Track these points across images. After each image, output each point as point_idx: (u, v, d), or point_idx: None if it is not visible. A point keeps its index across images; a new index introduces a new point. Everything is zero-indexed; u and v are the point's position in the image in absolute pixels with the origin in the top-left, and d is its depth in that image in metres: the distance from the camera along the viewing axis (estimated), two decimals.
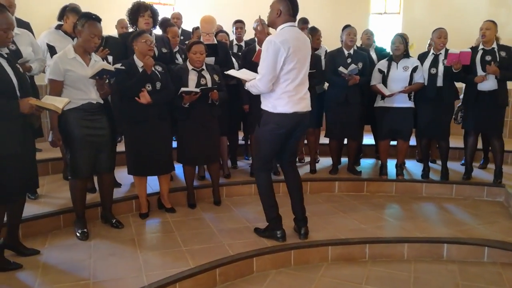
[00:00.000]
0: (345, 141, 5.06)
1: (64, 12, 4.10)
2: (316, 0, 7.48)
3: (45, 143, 5.07)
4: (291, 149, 3.33)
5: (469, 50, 4.42)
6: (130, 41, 3.60)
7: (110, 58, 4.16)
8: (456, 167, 5.16)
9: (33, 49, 3.90)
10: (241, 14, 5.81)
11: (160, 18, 4.28)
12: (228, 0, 7.22)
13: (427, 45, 5.69)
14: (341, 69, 4.44)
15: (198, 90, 3.67)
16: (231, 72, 3.50)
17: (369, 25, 7.56)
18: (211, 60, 4.32)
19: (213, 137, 4.01)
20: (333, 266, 3.29)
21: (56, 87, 3.15)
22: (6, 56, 2.74)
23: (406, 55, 4.61)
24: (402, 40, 4.55)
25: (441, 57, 4.52)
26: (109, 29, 5.16)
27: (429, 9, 7.50)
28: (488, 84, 4.38)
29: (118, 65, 3.35)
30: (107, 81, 3.36)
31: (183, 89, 3.65)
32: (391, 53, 4.66)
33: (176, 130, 4.02)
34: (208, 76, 3.87)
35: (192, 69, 3.84)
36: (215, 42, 4.41)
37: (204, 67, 3.89)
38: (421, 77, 4.55)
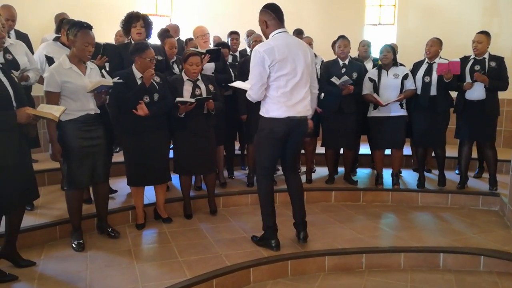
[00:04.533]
0: (341, 151, 5.08)
1: (62, 25, 4.15)
2: (312, 11, 7.56)
3: (41, 153, 5.10)
4: (290, 156, 3.34)
5: (458, 59, 4.46)
6: (131, 53, 3.59)
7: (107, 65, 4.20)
8: (451, 176, 5.18)
9: (28, 59, 3.94)
10: (236, 25, 5.86)
11: (156, 29, 4.33)
12: (223, 12, 7.29)
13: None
14: (333, 79, 4.49)
15: (193, 100, 3.70)
16: (236, 84, 3.57)
17: (364, 36, 7.63)
18: (211, 66, 4.36)
19: (209, 147, 4.02)
20: (330, 276, 3.29)
21: (53, 99, 3.12)
22: (1, 66, 2.74)
23: (395, 63, 4.67)
24: (390, 49, 4.63)
25: (435, 66, 4.56)
26: (104, 39, 5.21)
27: (423, 20, 7.58)
28: (476, 93, 4.44)
29: (116, 79, 3.37)
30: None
31: (178, 99, 3.69)
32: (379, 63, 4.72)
33: (173, 139, 4.04)
34: (203, 87, 3.90)
35: (187, 79, 3.87)
36: (215, 47, 4.50)
37: (199, 77, 3.92)
38: (412, 84, 4.61)
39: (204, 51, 4.24)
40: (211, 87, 3.95)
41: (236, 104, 4.64)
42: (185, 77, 3.88)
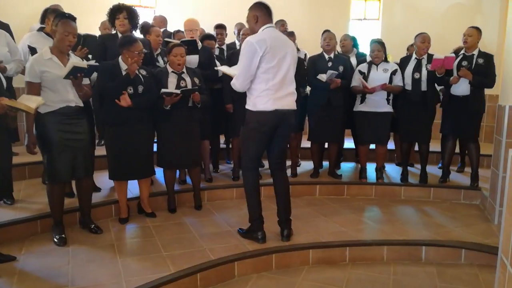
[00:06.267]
0: (326, 145, 5.09)
1: (46, 14, 4.06)
2: (297, 5, 7.55)
3: (22, 147, 5.00)
4: (277, 149, 3.34)
5: (453, 55, 4.49)
6: (119, 46, 3.52)
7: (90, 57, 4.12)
8: (433, 170, 5.26)
9: (10, 50, 3.84)
10: (222, 17, 5.82)
11: (141, 20, 4.28)
12: (209, 4, 7.23)
13: (407, 50, 5.81)
14: (319, 76, 4.49)
15: (178, 91, 3.67)
16: (222, 68, 3.58)
17: (349, 30, 7.66)
18: (195, 60, 4.31)
19: (193, 141, 3.99)
20: (314, 269, 3.31)
21: (33, 89, 3.07)
22: None
23: (385, 59, 4.70)
24: (380, 47, 4.65)
25: (424, 62, 4.57)
26: (91, 31, 5.15)
27: (408, 15, 7.64)
28: (461, 88, 4.46)
29: (92, 62, 3.30)
30: (88, 82, 3.33)
31: (163, 90, 3.65)
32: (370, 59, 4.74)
33: (157, 132, 4.00)
34: (188, 79, 3.86)
35: (172, 71, 3.83)
36: (191, 39, 4.44)
37: (184, 70, 3.88)
38: (400, 80, 4.62)
39: (179, 41, 4.18)
40: (196, 80, 3.91)
41: (222, 97, 4.61)
42: (169, 69, 3.84)
